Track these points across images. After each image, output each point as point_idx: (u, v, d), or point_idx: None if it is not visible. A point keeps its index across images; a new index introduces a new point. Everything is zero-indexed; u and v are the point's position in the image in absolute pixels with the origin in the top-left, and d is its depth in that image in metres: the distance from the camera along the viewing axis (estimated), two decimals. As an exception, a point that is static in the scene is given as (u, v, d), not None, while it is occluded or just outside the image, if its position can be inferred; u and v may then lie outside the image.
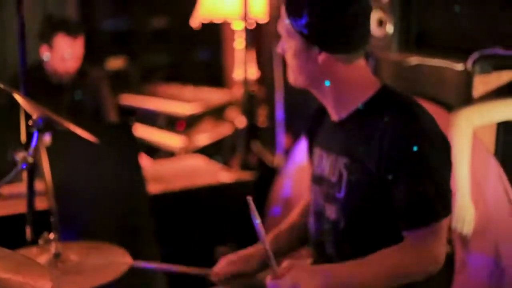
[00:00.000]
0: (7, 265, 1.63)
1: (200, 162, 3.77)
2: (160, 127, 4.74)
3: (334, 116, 2.10)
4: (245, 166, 3.75)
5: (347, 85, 2.04)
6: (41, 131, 2.26)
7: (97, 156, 3.02)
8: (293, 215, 2.40)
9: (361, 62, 2.05)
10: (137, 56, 6.19)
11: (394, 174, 1.92)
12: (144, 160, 3.87)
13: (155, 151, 4.45)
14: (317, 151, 2.20)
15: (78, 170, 3.03)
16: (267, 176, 3.71)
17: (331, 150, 2.11)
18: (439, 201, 1.93)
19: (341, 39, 1.98)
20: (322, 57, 2.00)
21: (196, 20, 4.34)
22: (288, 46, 2.05)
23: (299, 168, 3.48)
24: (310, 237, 2.24)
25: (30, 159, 2.24)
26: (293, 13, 1.99)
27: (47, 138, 2.91)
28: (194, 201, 3.38)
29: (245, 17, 3.77)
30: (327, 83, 2.04)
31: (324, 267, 1.99)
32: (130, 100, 5.14)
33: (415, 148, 1.89)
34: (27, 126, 2.69)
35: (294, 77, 2.09)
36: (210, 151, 4.15)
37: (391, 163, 1.92)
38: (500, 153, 2.85)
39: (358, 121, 2.03)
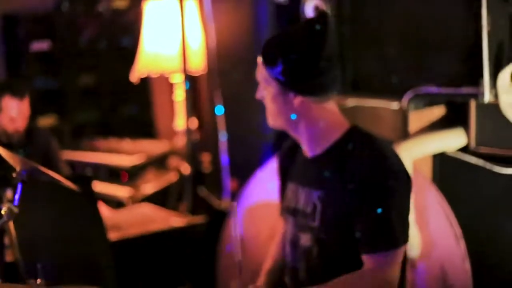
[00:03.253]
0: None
1: (150, 209, 3.89)
2: (104, 179, 4.82)
3: (308, 152, 2.28)
4: (193, 212, 3.89)
5: (320, 125, 2.22)
6: (24, 183, 2.37)
7: (61, 206, 3.12)
8: (273, 251, 2.56)
9: (332, 103, 2.25)
10: (67, 114, 6.25)
11: (361, 204, 2.10)
12: (103, 209, 3.97)
13: (103, 202, 4.52)
14: (291, 186, 2.37)
15: (39, 220, 3.11)
16: (216, 219, 3.86)
17: (305, 184, 2.28)
18: (399, 230, 2.11)
19: (313, 84, 2.17)
20: (297, 100, 2.18)
21: (134, 75, 4.50)
22: (266, 92, 2.24)
23: (247, 209, 3.65)
24: (285, 264, 2.41)
25: (16, 209, 2.34)
26: (269, 62, 2.18)
27: (9, 193, 3.01)
28: (150, 246, 3.50)
29: (184, 70, 3.95)
30: (294, 117, 2.23)
31: None
32: (67, 155, 5.20)
33: (382, 182, 2.08)
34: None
35: (273, 120, 2.27)
36: (157, 199, 4.27)
37: (359, 195, 2.10)
38: (437, 181, 3.11)
39: (330, 158, 2.21)
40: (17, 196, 2.34)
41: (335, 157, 2.20)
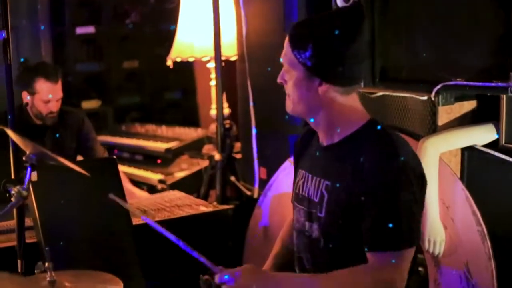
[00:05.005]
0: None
1: (178, 196, 3.89)
2: (138, 163, 4.87)
3: (324, 141, 2.24)
4: (223, 198, 3.87)
5: (340, 115, 2.17)
6: (33, 166, 2.38)
7: (82, 189, 3.13)
8: (282, 235, 2.56)
9: (354, 95, 2.20)
10: (110, 98, 6.31)
11: (368, 199, 2.05)
12: (140, 193, 4.01)
13: (135, 186, 4.56)
14: (302, 173, 2.33)
15: (62, 203, 3.13)
16: (245, 206, 3.84)
17: (315, 173, 2.24)
18: (404, 232, 2.03)
19: (341, 73, 2.11)
20: (322, 88, 2.13)
21: (169, 60, 4.50)
22: (289, 76, 2.18)
23: (275, 198, 3.62)
24: (294, 253, 2.38)
25: (24, 193, 2.36)
26: (298, 46, 2.12)
27: (34, 174, 3.03)
28: (175, 231, 3.48)
29: (216, 55, 3.92)
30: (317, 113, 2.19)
31: (276, 275, 2.20)
32: (107, 139, 5.28)
33: (391, 180, 2.02)
34: (17, 162, 2.82)
35: (293, 106, 2.21)
36: (188, 184, 4.27)
37: (368, 190, 2.04)
38: (465, 177, 3.02)
39: (344, 148, 2.16)
40: (26, 179, 2.37)
41: (348, 148, 2.15)
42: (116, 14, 6.23)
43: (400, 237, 2.03)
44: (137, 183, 4.65)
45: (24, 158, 2.39)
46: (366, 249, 2.07)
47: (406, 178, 2.05)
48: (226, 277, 2.10)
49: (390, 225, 2.02)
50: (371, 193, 2.05)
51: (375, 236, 2.05)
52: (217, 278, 2.11)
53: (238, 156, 4.25)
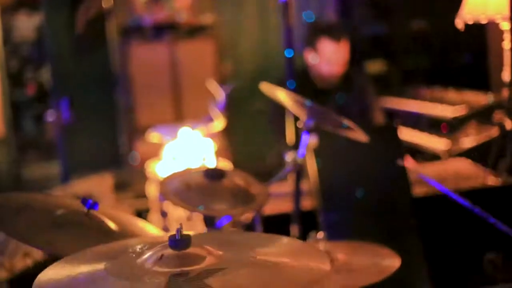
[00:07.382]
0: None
1: (464, 165, 3.65)
2: (423, 129, 4.66)
3: None
4: (512, 171, 3.54)
5: None
6: (310, 132, 2.31)
7: (362, 157, 3.04)
8: None
9: None
10: (396, 60, 6.13)
11: None
12: (408, 162, 3.83)
13: (418, 153, 4.38)
14: None
15: (342, 170, 3.06)
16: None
17: None
18: None
19: None
20: None
21: (460, 21, 4.18)
22: None
23: None
24: None
25: (300, 160, 2.30)
26: None
27: (313, 140, 2.99)
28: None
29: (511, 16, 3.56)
30: None
31: None
32: (391, 103, 5.13)
33: None
34: (296, 128, 2.77)
35: None
36: (476, 154, 3.99)
37: None
38: None
39: None
40: (302, 146, 2.30)
41: None
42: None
43: None
44: (420, 149, 4.46)
45: (298, 125, 2.32)
46: None
47: None
48: None
49: None
50: None
51: None
52: None
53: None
